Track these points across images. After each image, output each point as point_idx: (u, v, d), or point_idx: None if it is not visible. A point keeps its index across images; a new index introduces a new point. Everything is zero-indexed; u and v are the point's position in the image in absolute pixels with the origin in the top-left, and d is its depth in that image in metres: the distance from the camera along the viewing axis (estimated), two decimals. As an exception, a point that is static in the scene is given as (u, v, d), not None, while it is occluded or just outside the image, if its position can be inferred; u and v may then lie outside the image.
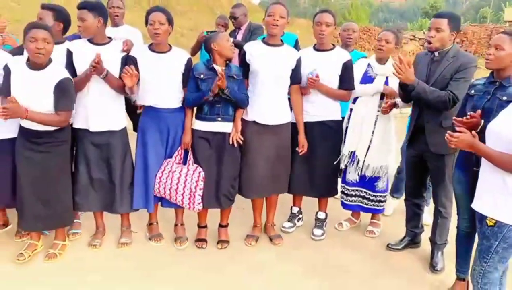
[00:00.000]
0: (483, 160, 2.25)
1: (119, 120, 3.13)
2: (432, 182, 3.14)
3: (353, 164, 3.43)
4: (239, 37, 4.61)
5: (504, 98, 2.37)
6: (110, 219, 3.36)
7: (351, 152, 3.42)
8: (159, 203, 3.33)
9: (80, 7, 2.94)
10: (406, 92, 2.92)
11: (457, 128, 2.19)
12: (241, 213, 3.63)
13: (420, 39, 20.71)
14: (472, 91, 2.60)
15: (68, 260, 3.04)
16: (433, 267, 3.10)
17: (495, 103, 2.42)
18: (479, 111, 2.39)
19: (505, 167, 2.10)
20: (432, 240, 3.15)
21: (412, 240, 3.37)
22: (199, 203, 3.15)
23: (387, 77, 3.30)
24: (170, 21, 3.07)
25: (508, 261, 2.30)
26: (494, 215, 2.18)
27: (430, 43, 2.92)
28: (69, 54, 3.00)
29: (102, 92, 3.00)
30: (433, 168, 3.05)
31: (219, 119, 3.10)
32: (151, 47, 3.10)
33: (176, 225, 3.41)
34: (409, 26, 25.43)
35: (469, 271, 2.54)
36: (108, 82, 2.96)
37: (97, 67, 2.84)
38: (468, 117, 2.37)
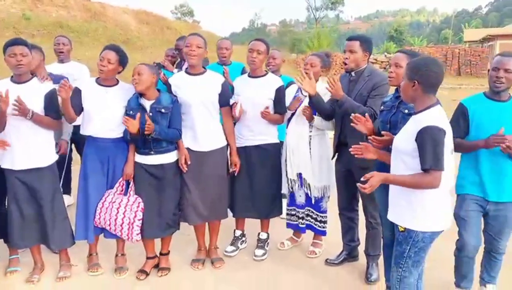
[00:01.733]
0: (391, 168, 2.38)
1: (45, 156, 3.08)
2: (360, 195, 3.26)
3: (301, 186, 3.53)
4: (184, 68, 4.74)
5: (406, 111, 2.55)
6: (49, 254, 3.34)
7: (298, 174, 3.52)
8: (101, 234, 3.33)
9: (20, 43, 2.90)
10: (336, 107, 3.09)
11: (362, 179, 2.29)
12: (186, 239, 3.66)
13: (382, 62, 21.51)
14: (382, 107, 2.77)
15: (4, 298, 3.01)
16: (367, 279, 3.18)
17: (398, 116, 2.60)
18: (388, 132, 2.53)
19: (417, 187, 2.19)
20: (366, 252, 3.24)
21: (349, 254, 3.46)
22: (138, 234, 3.16)
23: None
24: (121, 62, 3.12)
25: (422, 266, 2.41)
26: (403, 223, 2.30)
27: (345, 64, 3.11)
28: None
29: (24, 130, 2.96)
30: (359, 180, 3.16)
31: (152, 153, 3.15)
32: (98, 81, 3.17)
33: (116, 255, 3.40)
34: (375, 50, 26.34)
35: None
36: (35, 121, 2.94)
37: (20, 109, 2.82)
38: (384, 137, 2.51)
